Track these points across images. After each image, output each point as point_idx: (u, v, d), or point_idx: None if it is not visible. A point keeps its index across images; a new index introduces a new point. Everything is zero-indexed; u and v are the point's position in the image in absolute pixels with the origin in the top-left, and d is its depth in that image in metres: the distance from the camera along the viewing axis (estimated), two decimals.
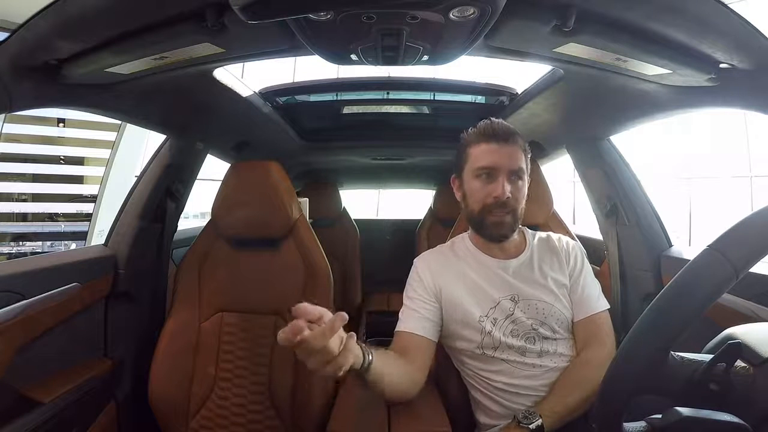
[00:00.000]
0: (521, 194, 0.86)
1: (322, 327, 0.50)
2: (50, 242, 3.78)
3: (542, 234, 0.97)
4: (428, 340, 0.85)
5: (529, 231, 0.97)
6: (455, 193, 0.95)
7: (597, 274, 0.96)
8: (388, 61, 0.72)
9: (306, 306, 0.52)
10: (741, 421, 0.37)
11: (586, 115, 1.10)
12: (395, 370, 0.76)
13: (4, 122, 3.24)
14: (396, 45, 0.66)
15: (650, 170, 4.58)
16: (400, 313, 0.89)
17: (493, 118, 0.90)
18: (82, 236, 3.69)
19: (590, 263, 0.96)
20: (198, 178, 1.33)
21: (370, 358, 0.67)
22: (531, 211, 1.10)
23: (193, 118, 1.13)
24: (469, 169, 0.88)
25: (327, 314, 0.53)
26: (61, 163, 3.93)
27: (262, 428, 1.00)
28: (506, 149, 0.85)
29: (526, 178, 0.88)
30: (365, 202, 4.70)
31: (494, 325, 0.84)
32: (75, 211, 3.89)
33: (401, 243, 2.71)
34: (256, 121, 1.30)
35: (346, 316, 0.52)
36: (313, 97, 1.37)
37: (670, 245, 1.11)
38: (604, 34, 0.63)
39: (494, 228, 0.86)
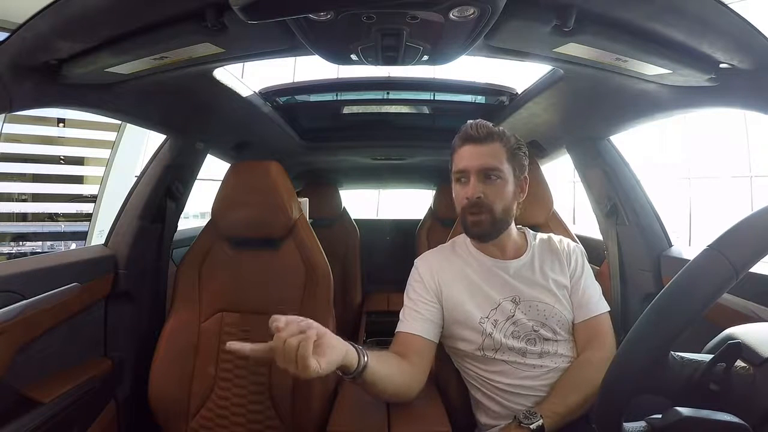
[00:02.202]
0: (498, 194, 0.84)
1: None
2: (50, 243, 3.78)
3: (543, 235, 0.97)
4: (429, 341, 0.85)
5: (530, 232, 0.97)
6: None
7: (597, 274, 0.96)
8: (388, 61, 0.72)
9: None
10: (741, 421, 0.37)
11: (586, 115, 1.10)
12: (394, 372, 0.76)
13: (4, 122, 3.24)
14: (396, 45, 0.67)
15: (650, 170, 4.58)
16: (400, 314, 0.89)
17: (471, 121, 0.88)
18: (82, 236, 3.69)
19: (590, 263, 0.96)
20: (198, 178, 1.33)
21: (365, 360, 0.68)
22: (531, 211, 1.11)
23: (193, 118, 1.13)
24: (452, 173, 0.90)
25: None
26: (61, 163, 3.94)
27: (262, 428, 1.00)
28: (480, 149, 0.84)
29: (509, 177, 0.85)
30: (365, 203, 4.71)
31: (495, 326, 0.84)
32: (75, 211, 3.90)
33: (401, 243, 2.71)
34: (256, 121, 1.31)
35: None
36: (313, 97, 1.37)
37: (670, 245, 1.11)
38: (604, 34, 0.63)
39: (473, 228, 0.86)
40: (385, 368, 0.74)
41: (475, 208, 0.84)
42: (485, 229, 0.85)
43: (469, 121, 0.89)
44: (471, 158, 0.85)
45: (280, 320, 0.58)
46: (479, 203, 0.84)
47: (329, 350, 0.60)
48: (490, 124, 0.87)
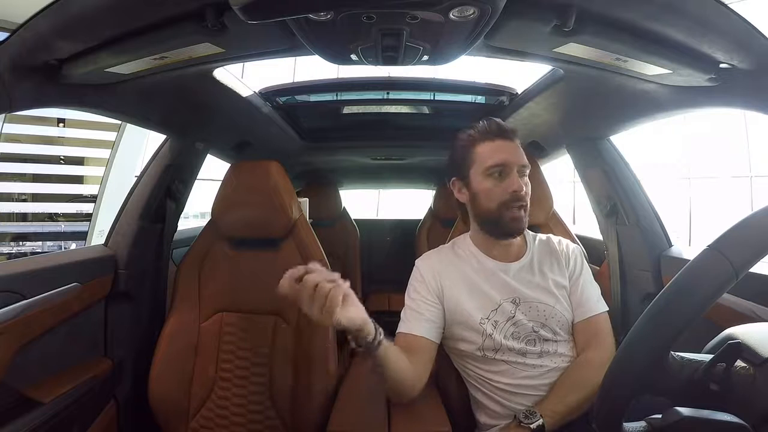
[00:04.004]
0: (530, 190, 0.87)
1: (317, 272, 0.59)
2: (52, 243, 3.78)
3: (542, 236, 0.97)
4: (430, 342, 0.85)
5: (530, 233, 0.97)
6: (456, 195, 0.94)
7: (597, 275, 0.96)
8: (388, 61, 0.72)
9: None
10: (741, 421, 0.37)
11: (586, 115, 1.10)
12: (402, 360, 0.77)
13: (4, 122, 3.24)
14: (396, 45, 0.66)
15: (650, 170, 4.58)
16: (401, 314, 0.89)
17: (492, 118, 0.90)
18: (82, 236, 3.69)
19: (590, 263, 0.96)
20: (198, 177, 1.33)
21: (381, 336, 0.70)
22: (531, 212, 1.10)
23: (193, 118, 1.13)
24: (479, 168, 0.87)
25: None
26: (61, 163, 3.94)
27: (262, 428, 1.00)
28: (513, 146, 0.86)
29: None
30: (365, 203, 4.71)
31: (495, 327, 0.84)
32: (75, 211, 3.90)
33: (401, 243, 2.71)
34: (256, 121, 1.30)
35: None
36: (313, 97, 1.37)
37: (670, 245, 1.11)
38: (604, 34, 0.63)
39: (512, 223, 0.85)
40: (396, 353, 0.76)
41: (518, 202, 0.84)
42: (522, 224, 0.86)
43: (491, 118, 0.90)
44: (510, 154, 0.85)
45: (310, 266, 0.60)
46: (523, 197, 0.84)
47: (353, 308, 0.63)
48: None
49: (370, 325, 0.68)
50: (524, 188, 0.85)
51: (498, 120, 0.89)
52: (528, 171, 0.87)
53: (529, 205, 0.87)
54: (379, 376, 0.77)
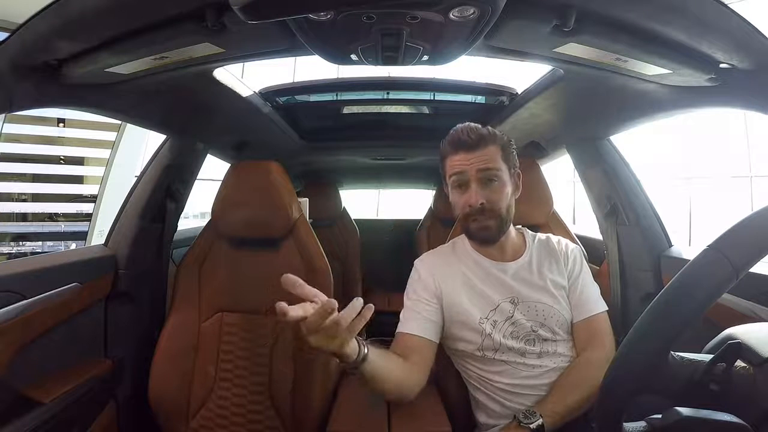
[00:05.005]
0: (500, 195, 0.84)
1: (320, 308, 0.59)
2: (52, 242, 3.78)
3: (542, 236, 0.97)
4: (430, 342, 0.85)
5: (529, 233, 0.97)
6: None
7: (597, 274, 0.96)
8: (388, 61, 0.72)
9: (295, 281, 0.60)
10: (741, 421, 0.37)
11: (586, 115, 1.10)
12: (394, 368, 0.76)
13: (4, 122, 3.24)
14: (396, 45, 0.66)
15: (650, 170, 4.58)
16: (401, 314, 0.89)
17: (460, 125, 0.88)
18: (82, 236, 3.69)
19: (590, 263, 0.96)
20: (198, 178, 1.33)
21: (366, 351, 0.67)
22: (531, 211, 1.11)
23: (193, 118, 1.13)
24: (447, 180, 0.90)
25: (320, 295, 0.61)
26: (61, 163, 3.94)
27: (262, 428, 1.00)
28: (474, 155, 0.84)
29: (506, 176, 0.86)
30: (365, 202, 4.71)
31: (494, 327, 0.84)
32: (75, 211, 3.90)
33: (401, 243, 2.71)
34: (256, 121, 1.30)
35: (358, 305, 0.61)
36: (313, 97, 1.37)
37: (670, 245, 1.11)
38: (604, 34, 0.63)
39: (479, 232, 0.86)
40: (385, 362, 0.73)
41: (480, 215, 0.84)
42: (492, 233, 0.86)
43: (458, 126, 0.88)
44: (467, 165, 0.84)
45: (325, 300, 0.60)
46: (483, 209, 0.83)
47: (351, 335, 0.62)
48: (479, 127, 0.87)
49: (352, 345, 0.65)
50: (480, 200, 0.82)
51: (466, 128, 0.86)
52: (499, 175, 0.84)
53: (503, 210, 0.85)
54: (372, 390, 0.75)
